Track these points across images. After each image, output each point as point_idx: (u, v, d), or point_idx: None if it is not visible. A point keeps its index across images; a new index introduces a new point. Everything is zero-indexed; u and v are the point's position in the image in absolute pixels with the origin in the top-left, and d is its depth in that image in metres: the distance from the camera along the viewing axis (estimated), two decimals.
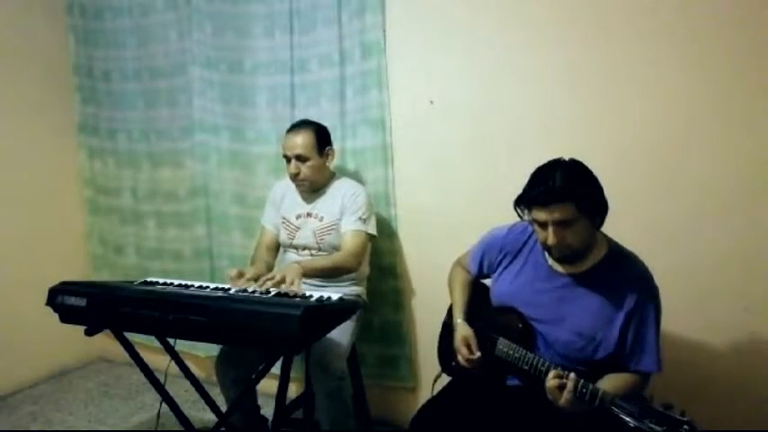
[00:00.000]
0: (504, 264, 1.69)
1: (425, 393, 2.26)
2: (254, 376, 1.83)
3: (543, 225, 1.45)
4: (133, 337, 1.96)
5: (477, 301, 1.79)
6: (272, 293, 1.71)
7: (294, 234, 2.18)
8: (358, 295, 2.18)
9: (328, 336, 1.83)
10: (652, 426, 1.18)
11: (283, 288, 1.73)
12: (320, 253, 2.15)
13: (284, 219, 2.22)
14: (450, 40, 2.18)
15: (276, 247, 2.28)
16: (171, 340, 1.90)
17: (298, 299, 1.63)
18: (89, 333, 1.73)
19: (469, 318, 1.77)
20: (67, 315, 1.67)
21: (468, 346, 1.65)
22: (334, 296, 1.68)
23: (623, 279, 1.47)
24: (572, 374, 1.36)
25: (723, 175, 1.82)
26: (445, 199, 2.27)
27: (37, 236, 2.98)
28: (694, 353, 1.92)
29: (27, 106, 2.92)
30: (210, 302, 1.52)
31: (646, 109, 1.90)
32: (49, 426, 2.58)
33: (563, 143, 1.99)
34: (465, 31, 2.15)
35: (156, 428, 2.18)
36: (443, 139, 2.25)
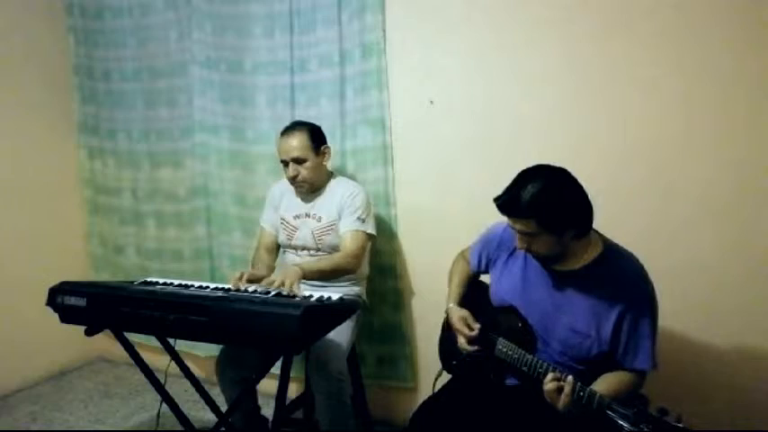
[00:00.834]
0: (501, 260, 1.69)
1: (425, 393, 2.26)
2: (254, 376, 1.83)
3: (513, 229, 1.49)
4: (133, 337, 1.97)
5: (477, 300, 1.79)
6: (272, 293, 1.71)
7: (293, 234, 2.18)
8: (358, 295, 2.18)
9: (328, 336, 1.83)
10: (646, 431, 1.18)
11: (283, 291, 1.72)
12: (319, 253, 2.15)
13: (283, 219, 2.22)
14: (450, 41, 2.18)
15: (276, 248, 2.28)
16: (171, 340, 1.90)
17: (298, 299, 1.63)
18: (89, 333, 1.73)
19: None
20: (67, 315, 1.67)
21: (467, 325, 1.68)
22: (335, 296, 1.68)
23: (617, 278, 1.47)
24: (569, 377, 1.36)
25: (723, 176, 1.82)
26: (445, 199, 2.27)
27: (37, 236, 2.98)
28: (694, 353, 1.92)
29: (27, 106, 2.92)
30: (211, 302, 1.52)
31: (645, 109, 1.90)
32: (49, 426, 2.58)
33: (563, 143, 2.01)
34: (465, 31, 2.15)
35: (156, 428, 2.18)
36: (443, 140, 2.25)
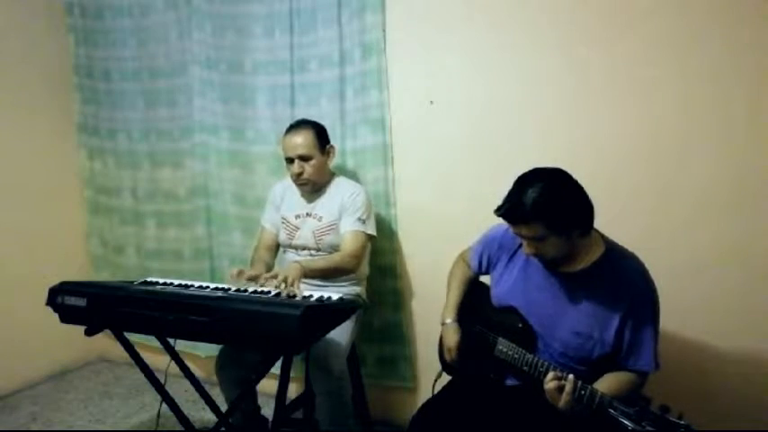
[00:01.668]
0: (502, 261, 1.69)
1: (425, 393, 2.26)
2: (254, 376, 1.83)
3: (519, 236, 1.48)
4: (133, 337, 1.96)
5: (478, 300, 1.79)
6: (272, 293, 1.71)
7: (293, 234, 2.18)
8: (358, 295, 2.18)
9: (328, 336, 1.83)
10: (649, 428, 1.18)
11: (283, 288, 1.72)
12: (319, 253, 2.15)
13: (284, 219, 2.22)
14: (450, 41, 2.18)
15: (276, 248, 2.28)
16: (171, 340, 1.90)
17: (298, 299, 1.63)
18: (89, 333, 1.73)
19: (469, 317, 1.77)
20: (67, 315, 1.67)
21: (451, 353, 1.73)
22: (335, 296, 1.68)
23: (620, 279, 1.46)
24: (570, 376, 1.36)
25: (723, 176, 1.82)
26: (445, 199, 2.27)
27: (37, 236, 2.98)
28: (694, 353, 1.92)
29: (27, 106, 2.92)
30: (210, 302, 1.52)
31: (646, 109, 1.90)
32: (49, 426, 2.58)
33: (563, 143, 2.01)
34: (465, 31, 2.15)
35: (156, 428, 2.18)
36: (443, 139, 2.25)
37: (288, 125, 2.20)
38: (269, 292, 1.74)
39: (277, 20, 2.45)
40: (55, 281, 1.72)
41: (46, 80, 2.99)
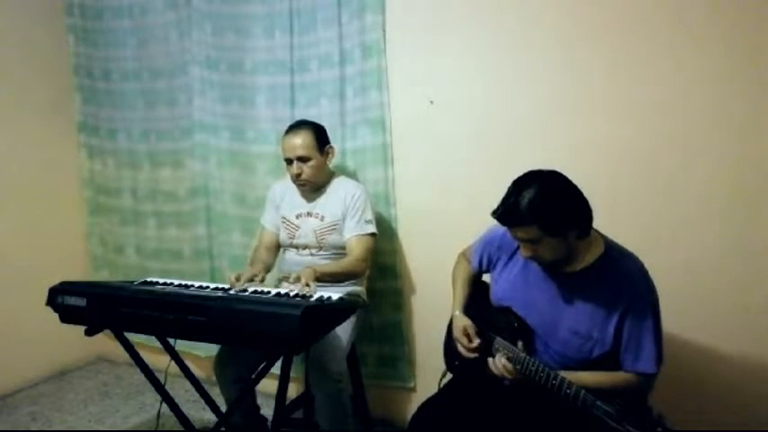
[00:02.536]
0: (501, 261, 1.69)
1: (425, 393, 2.26)
2: (253, 376, 1.83)
3: (516, 239, 1.49)
4: (133, 337, 1.96)
5: (478, 300, 1.79)
6: (272, 293, 1.71)
7: (294, 233, 2.18)
8: (358, 295, 2.17)
9: (328, 336, 1.83)
10: (629, 428, 1.19)
11: (299, 289, 1.72)
12: (321, 252, 2.15)
13: (284, 218, 2.22)
14: (450, 41, 2.18)
15: (276, 247, 2.28)
16: (171, 340, 1.90)
17: (298, 299, 1.63)
18: (89, 333, 1.73)
19: (469, 316, 1.77)
20: (67, 315, 1.67)
21: (468, 336, 1.68)
22: (334, 296, 1.68)
23: (618, 278, 1.46)
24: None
25: (723, 175, 1.82)
26: (445, 199, 2.27)
27: (37, 236, 2.98)
28: (694, 352, 1.92)
29: (27, 106, 2.92)
30: (210, 302, 1.52)
31: (645, 109, 1.90)
32: (49, 426, 2.58)
33: (563, 143, 2.01)
34: (465, 31, 2.15)
35: (156, 428, 2.18)
36: (443, 139, 2.25)
37: (288, 125, 2.20)
38: (269, 291, 1.73)
39: (277, 20, 2.45)
40: (55, 281, 1.72)
41: (46, 80, 2.99)
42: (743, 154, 1.79)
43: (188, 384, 1.99)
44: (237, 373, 2.03)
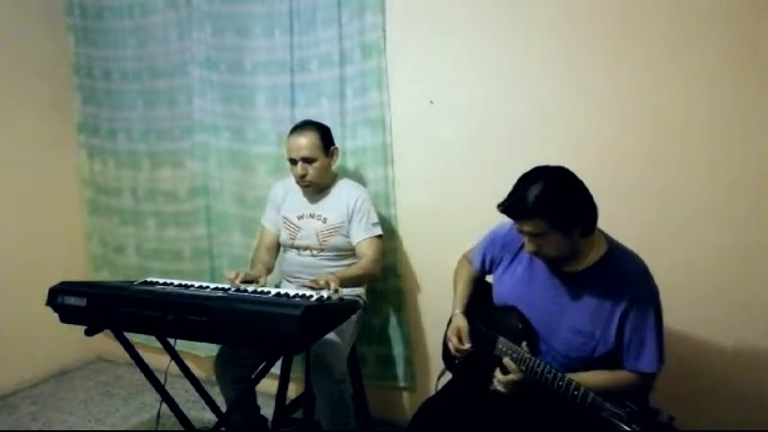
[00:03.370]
0: (504, 261, 1.69)
1: (425, 393, 2.27)
2: (253, 376, 1.83)
3: (521, 233, 1.48)
4: (133, 337, 1.96)
5: (480, 299, 1.79)
6: (272, 293, 1.71)
7: (296, 234, 2.18)
8: (358, 295, 2.18)
9: (328, 336, 1.83)
10: (637, 429, 1.19)
11: (329, 293, 1.71)
12: (322, 254, 2.15)
13: (285, 219, 2.22)
14: (450, 41, 2.18)
15: (276, 248, 2.28)
16: (171, 340, 1.90)
17: (298, 299, 1.63)
18: (89, 333, 1.73)
19: (471, 317, 1.77)
20: (67, 315, 1.67)
21: (460, 338, 1.69)
22: (334, 296, 1.68)
23: (621, 278, 1.46)
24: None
25: (723, 175, 1.82)
26: (445, 199, 2.27)
27: (37, 236, 2.98)
28: (694, 352, 1.92)
29: (27, 106, 2.92)
30: (210, 302, 1.52)
31: (645, 109, 1.90)
32: (49, 426, 2.58)
33: (563, 143, 2.01)
34: (465, 31, 2.15)
35: (156, 428, 2.18)
36: (443, 139, 2.25)
37: (288, 125, 2.20)
38: (269, 292, 1.73)
39: (277, 20, 2.45)
40: (55, 281, 1.72)
41: (46, 80, 2.99)
42: (743, 154, 1.79)
43: (188, 384, 1.99)
44: (237, 373, 2.03)
